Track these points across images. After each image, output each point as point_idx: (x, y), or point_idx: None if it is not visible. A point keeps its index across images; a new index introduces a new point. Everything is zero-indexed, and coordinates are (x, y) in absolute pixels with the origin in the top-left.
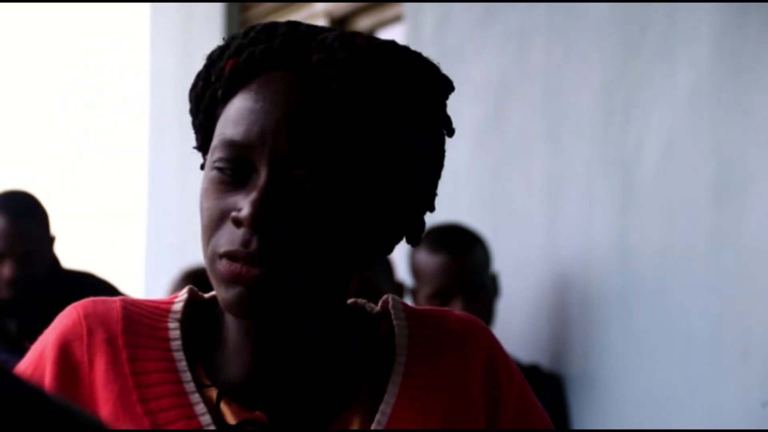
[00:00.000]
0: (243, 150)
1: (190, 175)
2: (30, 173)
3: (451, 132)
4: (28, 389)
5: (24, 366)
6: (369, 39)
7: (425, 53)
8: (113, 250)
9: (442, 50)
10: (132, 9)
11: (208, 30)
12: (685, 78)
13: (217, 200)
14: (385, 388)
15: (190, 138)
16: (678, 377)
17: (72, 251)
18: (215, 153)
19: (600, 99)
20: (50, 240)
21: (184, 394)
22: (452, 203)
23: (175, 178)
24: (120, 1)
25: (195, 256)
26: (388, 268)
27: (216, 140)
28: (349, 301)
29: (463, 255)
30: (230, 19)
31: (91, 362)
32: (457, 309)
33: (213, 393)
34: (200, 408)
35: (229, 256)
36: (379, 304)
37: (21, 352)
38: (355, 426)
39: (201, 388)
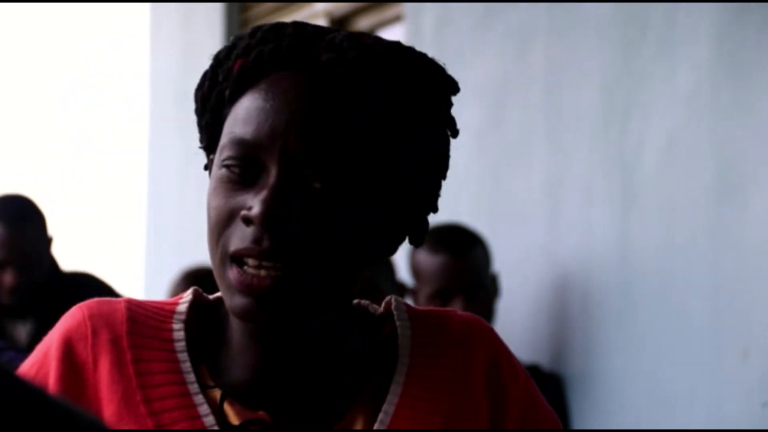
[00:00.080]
0: (253, 149)
1: (190, 176)
2: (30, 173)
3: (455, 133)
4: (28, 389)
5: (28, 366)
6: (377, 39)
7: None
8: (113, 250)
9: (442, 50)
10: (132, 9)
11: (208, 30)
12: (685, 78)
13: (225, 199)
14: (388, 389)
15: (190, 138)
16: (678, 377)
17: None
18: (224, 152)
19: (600, 99)
20: (48, 242)
21: (187, 395)
22: (452, 203)
23: (175, 178)
24: (120, 1)
25: (195, 256)
26: (389, 269)
27: (225, 139)
28: (353, 302)
29: (463, 255)
30: (230, 19)
31: (95, 362)
32: (457, 309)
33: (217, 394)
34: (204, 409)
35: (240, 255)
36: (382, 305)
37: (28, 353)
38: (359, 426)
39: (205, 389)
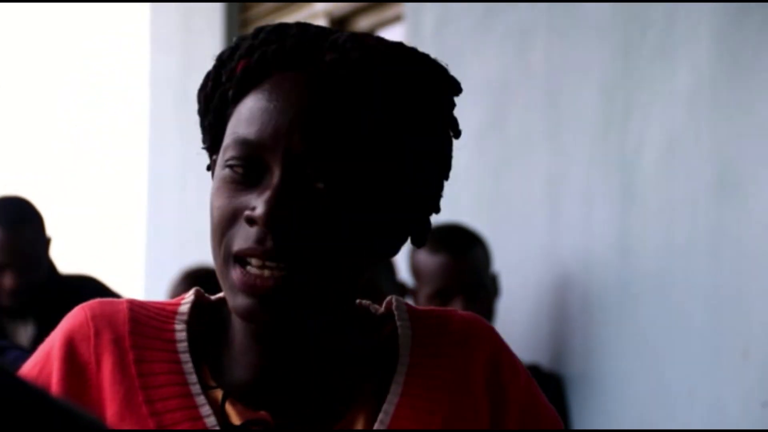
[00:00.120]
0: (256, 149)
1: (189, 176)
2: (30, 173)
3: (458, 133)
4: (29, 390)
5: (31, 366)
6: (380, 40)
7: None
8: (113, 251)
9: (442, 50)
10: (132, 9)
11: (208, 30)
12: (685, 78)
13: (229, 199)
14: (389, 389)
15: (190, 138)
16: (678, 377)
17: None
18: (227, 152)
19: (600, 99)
20: (47, 243)
21: (189, 396)
22: (452, 203)
23: (175, 178)
24: (120, 1)
25: (195, 256)
26: (389, 269)
27: (228, 139)
28: (355, 302)
29: (463, 255)
30: (230, 19)
31: (98, 363)
32: (457, 309)
33: (219, 394)
34: (206, 410)
35: (244, 254)
36: (383, 305)
37: (30, 353)
38: (359, 426)
39: (207, 390)
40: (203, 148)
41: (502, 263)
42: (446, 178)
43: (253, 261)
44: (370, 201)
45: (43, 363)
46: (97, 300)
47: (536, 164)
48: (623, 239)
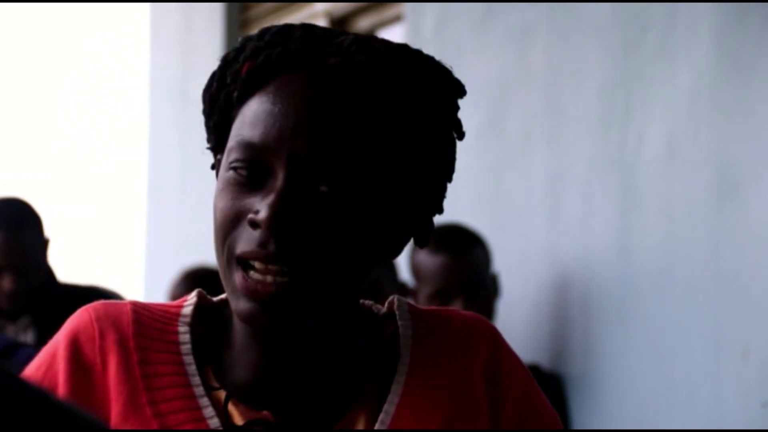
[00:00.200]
0: (260, 152)
1: (189, 176)
2: (30, 173)
3: (461, 135)
4: (29, 390)
5: (37, 366)
6: (385, 43)
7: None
8: (113, 251)
9: (442, 50)
10: (132, 9)
11: (208, 30)
12: (685, 78)
13: (232, 201)
14: (390, 389)
15: (190, 138)
16: (678, 377)
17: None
18: (232, 154)
19: (600, 99)
20: (45, 245)
21: (193, 397)
22: (452, 203)
23: (175, 178)
24: (120, 1)
25: (195, 256)
26: (391, 269)
27: (232, 141)
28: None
29: (464, 255)
30: (230, 19)
31: (104, 363)
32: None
33: (222, 395)
34: (209, 411)
35: (246, 257)
36: (386, 305)
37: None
38: (360, 426)
39: (210, 391)
40: (208, 148)
41: (502, 263)
42: (449, 180)
43: (256, 264)
44: (373, 203)
45: (49, 363)
46: (101, 302)
47: (536, 164)
48: (623, 239)
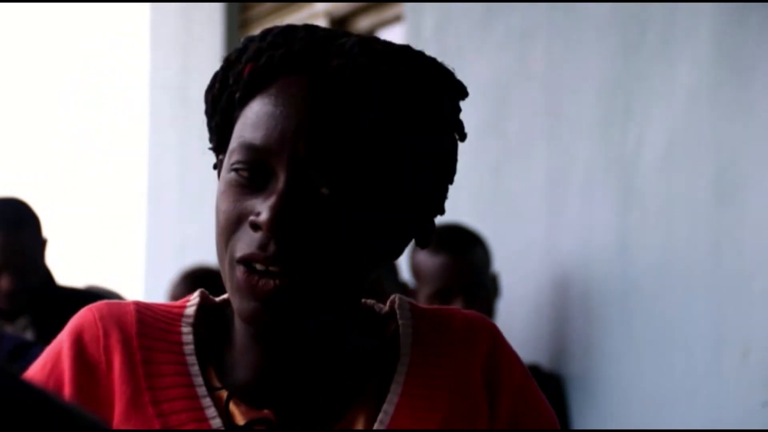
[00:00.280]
0: (262, 154)
1: (189, 176)
2: (30, 173)
3: (463, 137)
4: (29, 390)
5: (41, 365)
6: (386, 44)
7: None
8: (113, 251)
9: (442, 50)
10: (132, 9)
11: (208, 30)
12: (685, 78)
13: (234, 203)
14: (389, 388)
15: (190, 138)
16: (678, 377)
17: (72, 252)
18: (233, 156)
19: (600, 99)
20: (43, 245)
21: (196, 397)
22: (452, 203)
23: (175, 178)
24: (120, 1)
25: (195, 256)
26: (392, 269)
27: (234, 143)
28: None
29: (464, 255)
30: (230, 19)
31: (109, 363)
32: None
33: (224, 395)
34: (211, 411)
35: (247, 260)
36: (387, 304)
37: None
38: (359, 425)
39: (213, 391)
40: (210, 149)
41: (502, 263)
42: (451, 181)
43: (257, 266)
44: (374, 205)
45: (54, 362)
46: (104, 301)
47: (536, 164)
48: (623, 239)
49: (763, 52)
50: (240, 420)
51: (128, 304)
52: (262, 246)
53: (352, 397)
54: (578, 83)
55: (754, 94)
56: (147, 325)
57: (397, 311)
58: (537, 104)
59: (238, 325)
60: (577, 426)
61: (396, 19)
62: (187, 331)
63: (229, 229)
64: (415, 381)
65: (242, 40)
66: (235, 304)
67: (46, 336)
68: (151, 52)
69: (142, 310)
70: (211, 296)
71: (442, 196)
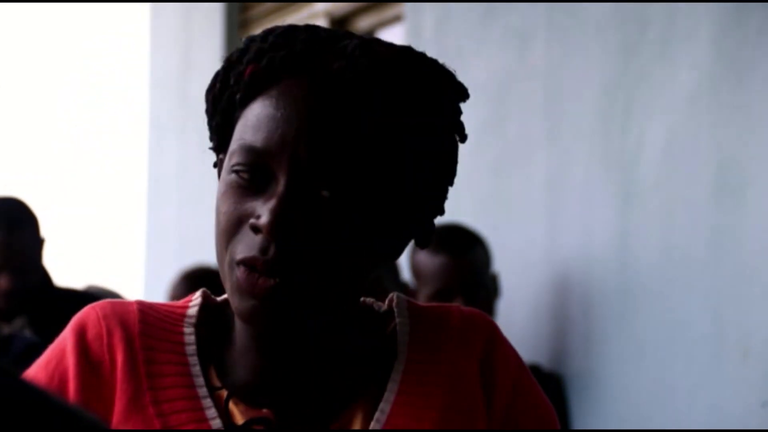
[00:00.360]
0: (262, 156)
1: (189, 175)
2: (30, 173)
3: (464, 138)
4: (29, 390)
5: (45, 362)
6: (388, 46)
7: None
8: (113, 251)
9: (442, 50)
10: (132, 9)
11: (208, 30)
12: (685, 78)
13: (234, 205)
14: (387, 386)
15: (190, 138)
16: (678, 377)
17: (72, 252)
18: (234, 157)
19: (600, 99)
20: (42, 245)
21: (196, 398)
22: (452, 203)
23: (175, 178)
24: (120, 1)
25: (195, 256)
26: (393, 269)
27: (235, 145)
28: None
29: (464, 255)
30: (230, 19)
31: (112, 361)
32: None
33: (224, 394)
34: (211, 412)
35: (247, 263)
36: (386, 302)
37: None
38: (357, 424)
39: (213, 391)
40: (210, 148)
41: (502, 263)
42: (451, 183)
43: (258, 268)
44: (375, 207)
45: (58, 359)
46: (107, 300)
47: (536, 164)
48: (623, 239)
49: (762, 53)
50: (239, 419)
51: (131, 303)
52: (263, 249)
53: (351, 396)
54: (578, 83)
55: (754, 94)
56: (149, 324)
57: (395, 309)
58: (537, 104)
59: (238, 325)
60: (577, 426)
61: (396, 19)
62: (189, 331)
63: (230, 230)
64: (411, 379)
65: (244, 40)
66: (234, 303)
67: (43, 336)
68: (151, 52)
69: (145, 309)
70: (212, 296)
71: (442, 197)
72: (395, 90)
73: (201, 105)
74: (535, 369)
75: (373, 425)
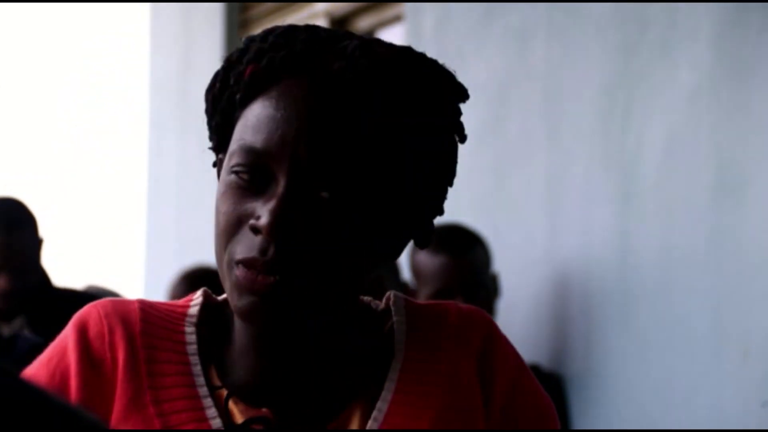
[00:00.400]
0: (262, 157)
1: (189, 176)
2: (30, 174)
3: (463, 139)
4: (29, 390)
5: (46, 360)
6: (388, 47)
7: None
8: (113, 251)
9: (442, 50)
10: (132, 9)
11: (208, 30)
12: (685, 78)
13: (234, 205)
14: (384, 386)
15: (190, 138)
16: (678, 377)
17: (72, 252)
18: (233, 158)
19: (600, 99)
20: (40, 245)
21: (197, 398)
22: (452, 203)
23: (175, 178)
24: (120, 1)
25: (195, 256)
26: (393, 269)
27: (235, 145)
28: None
29: (463, 255)
30: (230, 19)
31: (114, 359)
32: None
33: (224, 394)
34: (212, 412)
35: (246, 263)
36: (383, 301)
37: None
38: (355, 423)
39: (214, 391)
40: (209, 148)
41: (502, 263)
42: (451, 183)
43: (257, 268)
44: (375, 208)
45: (60, 356)
46: (109, 299)
47: (536, 164)
48: (623, 239)
49: (762, 53)
50: (239, 418)
51: (132, 302)
52: (263, 250)
53: (349, 395)
54: (578, 83)
55: (754, 94)
56: (151, 323)
57: (392, 308)
58: (537, 104)
59: (238, 324)
60: (577, 426)
61: (396, 19)
62: (190, 331)
63: (229, 231)
64: (409, 378)
65: (244, 39)
66: (233, 300)
67: (42, 337)
68: (151, 52)
69: (146, 308)
70: (213, 295)
71: (442, 197)
72: (395, 90)
73: (201, 105)
74: (535, 369)
75: (370, 424)
